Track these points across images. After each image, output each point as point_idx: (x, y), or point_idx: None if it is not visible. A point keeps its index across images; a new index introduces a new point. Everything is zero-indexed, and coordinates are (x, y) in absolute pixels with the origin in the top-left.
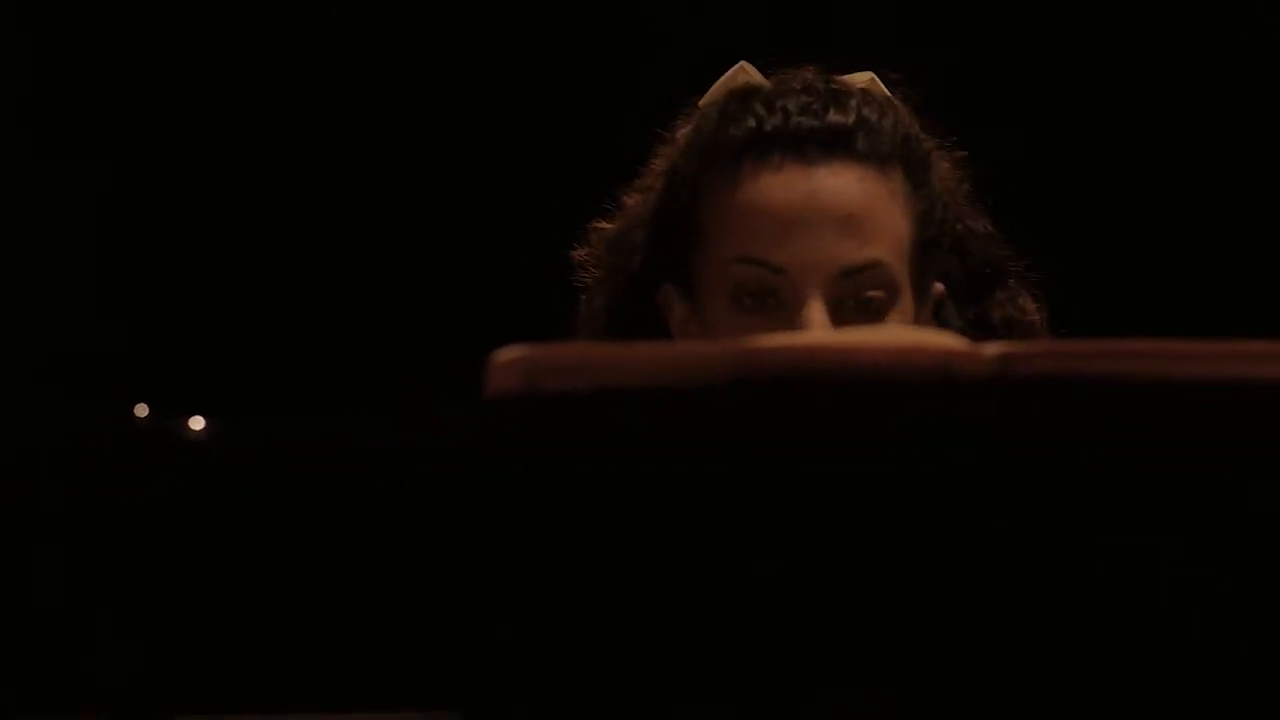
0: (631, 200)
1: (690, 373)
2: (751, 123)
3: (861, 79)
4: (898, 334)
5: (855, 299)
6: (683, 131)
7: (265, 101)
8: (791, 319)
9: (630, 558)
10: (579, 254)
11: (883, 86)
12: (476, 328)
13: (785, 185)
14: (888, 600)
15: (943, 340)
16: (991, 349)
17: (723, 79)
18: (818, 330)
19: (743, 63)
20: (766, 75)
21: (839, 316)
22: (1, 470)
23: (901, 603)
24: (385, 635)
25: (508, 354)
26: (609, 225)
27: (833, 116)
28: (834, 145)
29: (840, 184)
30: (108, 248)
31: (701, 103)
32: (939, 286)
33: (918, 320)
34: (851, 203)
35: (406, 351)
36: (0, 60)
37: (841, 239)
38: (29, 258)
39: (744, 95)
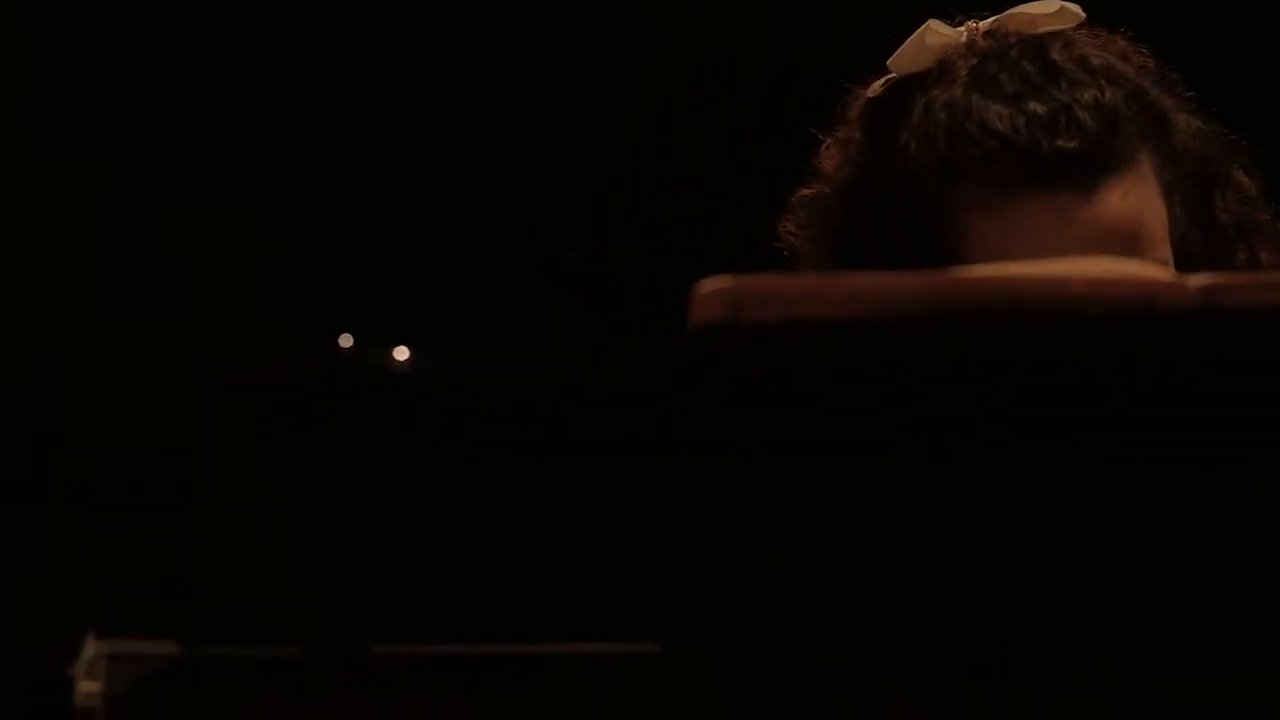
0: (831, 164)
1: (894, 303)
2: (995, 145)
3: (1050, 6)
4: (1101, 265)
5: None
6: (913, 126)
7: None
8: None
9: (837, 487)
10: (785, 226)
11: (1077, 9)
12: (679, 258)
13: (1061, 226)
14: (1088, 539)
15: (1147, 271)
16: (1196, 280)
17: (914, 38)
18: (1080, 257)
19: (931, 21)
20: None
21: None
22: (204, 403)
23: (1102, 540)
24: (584, 566)
25: (712, 284)
26: (812, 192)
27: (1088, 126)
28: (1094, 165)
29: (1112, 209)
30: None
31: (895, 64)
32: None
33: None
34: (1128, 221)
35: (609, 282)
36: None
37: (1130, 253)
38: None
39: (976, 106)
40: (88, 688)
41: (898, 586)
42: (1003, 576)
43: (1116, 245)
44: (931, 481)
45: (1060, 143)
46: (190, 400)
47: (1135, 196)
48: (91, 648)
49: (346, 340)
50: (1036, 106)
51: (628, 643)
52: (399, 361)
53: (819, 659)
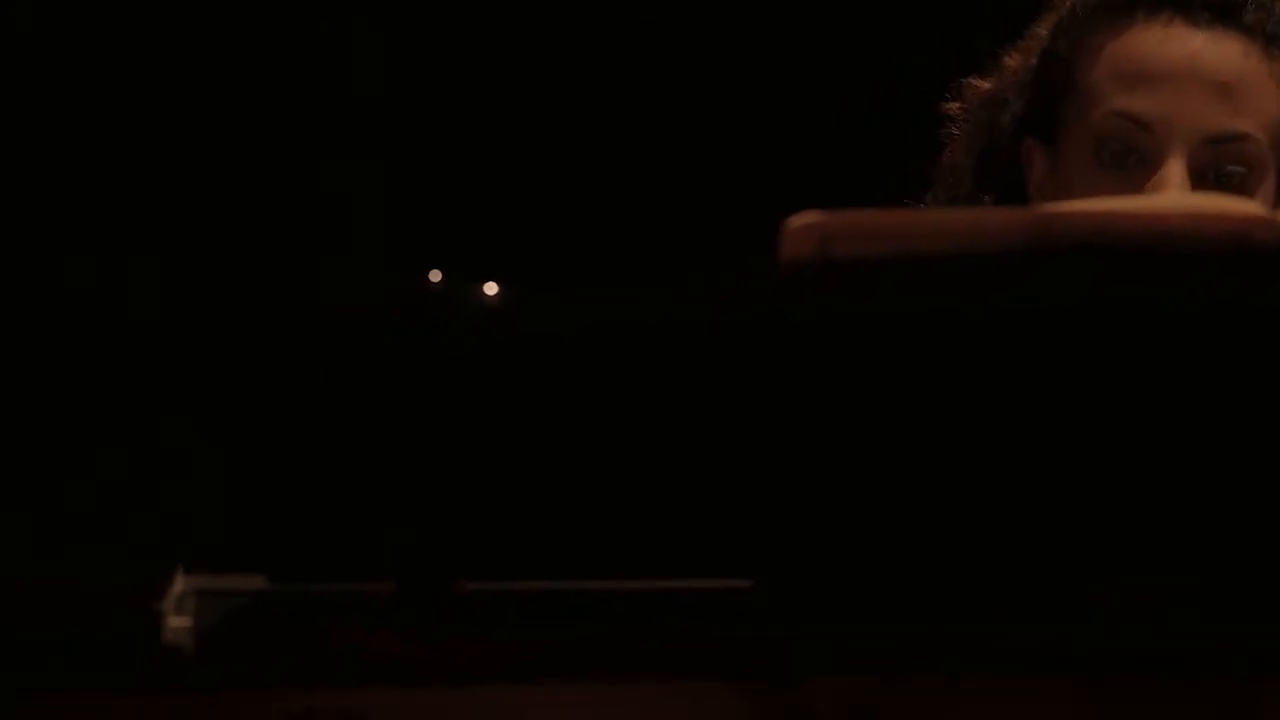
0: (1012, 62)
1: (984, 239)
2: None
3: None
4: (1197, 200)
5: (1216, 170)
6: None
7: None
8: (1149, 179)
9: (924, 424)
10: (951, 108)
11: None
12: (770, 193)
13: (1165, 44)
14: (1180, 478)
15: (1243, 207)
16: None
17: None
18: (1174, 192)
19: None
20: None
21: (1197, 185)
22: (296, 336)
23: (1196, 480)
24: (676, 504)
25: (801, 220)
26: (984, 83)
27: None
28: (1223, 13)
29: (1221, 50)
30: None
31: None
32: None
33: None
34: (1229, 70)
35: (700, 217)
36: None
37: (1214, 104)
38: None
39: None
40: (176, 623)
41: (988, 526)
42: (1092, 515)
43: (1210, 91)
44: (1020, 419)
45: None
46: (282, 338)
47: (1253, 67)
48: (180, 583)
49: (435, 276)
50: None
51: (722, 579)
52: (489, 296)
53: (906, 596)
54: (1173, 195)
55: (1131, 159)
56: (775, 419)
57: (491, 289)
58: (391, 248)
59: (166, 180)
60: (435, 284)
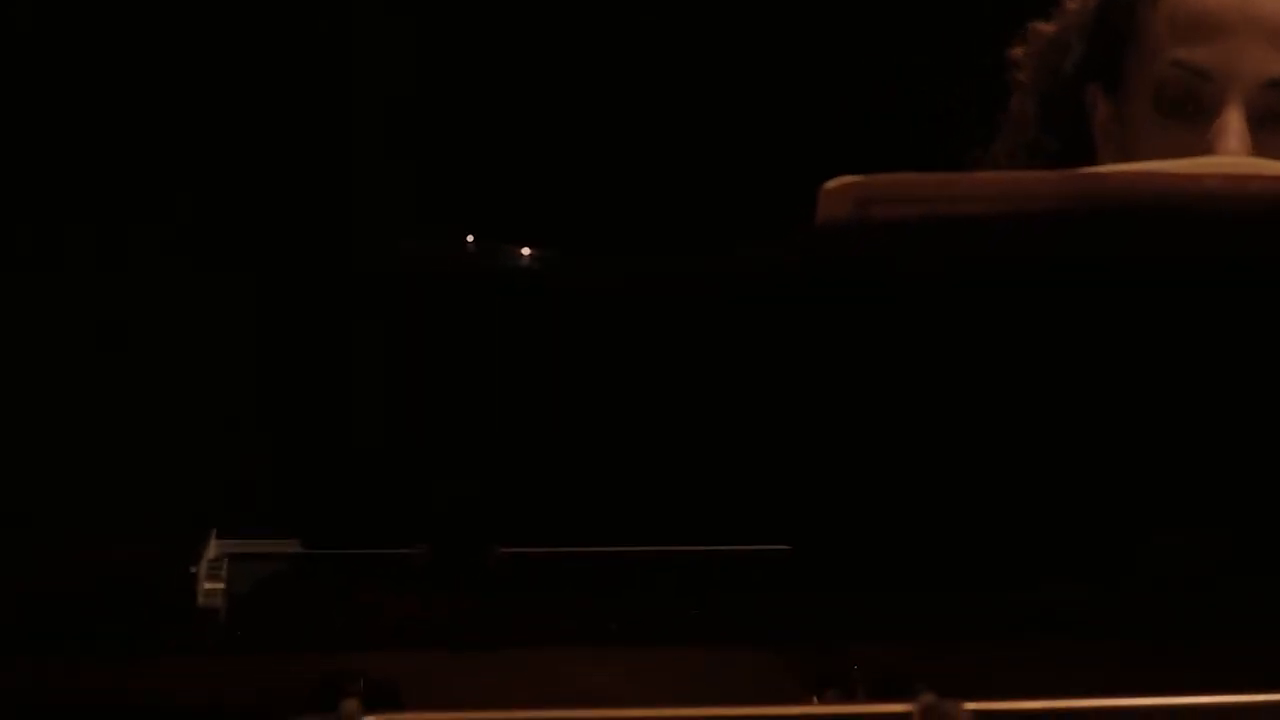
0: (1072, 3)
1: (1020, 200)
2: None
3: None
4: (1232, 163)
5: (1275, 115)
6: None
7: None
8: (1210, 126)
9: (960, 384)
10: (1016, 53)
11: None
12: (806, 155)
13: (1238, 8)
14: (1223, 437)
15: (1277, 168)
16: None
17: None
18: (1233, 138)
19: None
20: None
21: (1256, 131)
22: (332, 301)
23: (1237, 439)
24: (711, 469)
25: (838, 182)
26: (1048, 26)
27: None
28: None
29: None
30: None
31: None
32: None
33: None
34: None
35: (737, 179)
36: None
37: (1271, 49)
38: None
39: None
40: (209, 586)
41: (1022, 491)
42: (1124, 478)
43: (1267, 36)
44: (1056, 380)
45: None
46: (318, 302)
47: None
48: (213, 547)
49: (470, 239)
50: None
51: (758, 545)
52: (525, 258)
53: (941, 562)
54: (1209, 159)
55: (1190, 106)
56: (811, 383)
57: (526, 252)
58: (426, 213)
59: (207, 149)
60: (470, 247)
